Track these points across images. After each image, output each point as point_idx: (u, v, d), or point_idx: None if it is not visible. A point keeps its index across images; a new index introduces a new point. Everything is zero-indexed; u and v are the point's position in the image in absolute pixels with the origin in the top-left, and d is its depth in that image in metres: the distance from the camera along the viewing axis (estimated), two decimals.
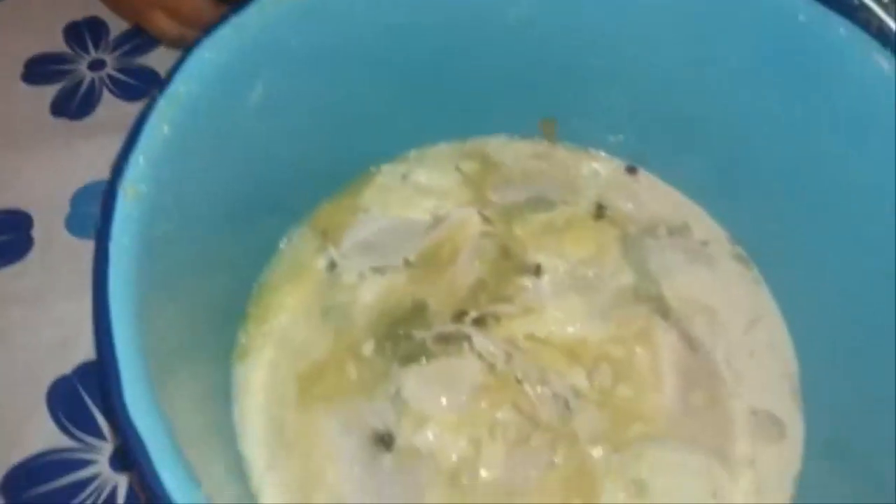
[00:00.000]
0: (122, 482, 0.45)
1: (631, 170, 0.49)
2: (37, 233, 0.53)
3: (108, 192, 0.30)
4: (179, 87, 0.32)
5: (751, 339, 0.43)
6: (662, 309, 0.43)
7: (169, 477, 0.25)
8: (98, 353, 0.26)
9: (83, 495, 0.45)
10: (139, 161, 0.30)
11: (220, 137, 0.35)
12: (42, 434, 0.46)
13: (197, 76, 0.33)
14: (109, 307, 0.26)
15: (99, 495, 0.45)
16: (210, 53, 0.33)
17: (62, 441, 0.46)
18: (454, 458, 0.39)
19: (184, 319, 0.35)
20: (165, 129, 0.31)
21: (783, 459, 0.40)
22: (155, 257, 0.30)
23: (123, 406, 0.25)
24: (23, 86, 0.59)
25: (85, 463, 0.46)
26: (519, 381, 0.40)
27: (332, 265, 0.44)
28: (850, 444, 0.38)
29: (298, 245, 0.45)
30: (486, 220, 0.45)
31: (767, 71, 0.39)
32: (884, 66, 0.35)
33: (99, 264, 0.27)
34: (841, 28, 0.35)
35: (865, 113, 0.36)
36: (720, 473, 0.39)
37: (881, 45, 0.35)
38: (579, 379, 0.41)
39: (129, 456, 0.25)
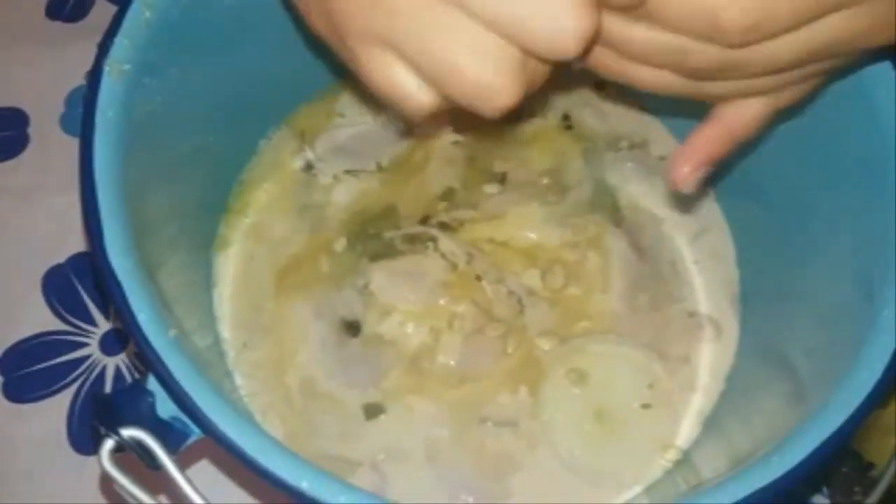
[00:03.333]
0: (110, 364, 0.48)
1: (598, 85, 0.50)
2: (33, 130, 0.55)
3: (94, 69, 0.32)
4: None
5: (697, 248, 0.45)
6: (616, 218, 0.45)
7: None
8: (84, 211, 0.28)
9: (75, 374, 0.47)
10: (123, 42, 0.32)
11: (201, 30, 0.36)
12: (37, 318, 0.49)
13: None
14: (94, 171, 0.29)
15: (89, 375, 0.47)
16: None
17: (56, 325, 0.49)
18: (415, 344, 0.42)
19: (168, 204, 0.37)
20: (147, 14, 0.33)
21: (717, 357, 0.43)
22: (139, 136, 0.32)
23: (104, 252, 0.27)
24: None
25: (77, 345, 0.48)
26: (478, 279, 0.43)
27: (309, 166, 0.46)
28: (781, 349, 0.40)
29: (277, 145, 0.47)
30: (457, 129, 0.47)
31: None
32: None
33: (86, 132, 0.30)
34: None
35: None
36: (657, 368, 0.42)
37: None
38: (533, 279, 0.43)
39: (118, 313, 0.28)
